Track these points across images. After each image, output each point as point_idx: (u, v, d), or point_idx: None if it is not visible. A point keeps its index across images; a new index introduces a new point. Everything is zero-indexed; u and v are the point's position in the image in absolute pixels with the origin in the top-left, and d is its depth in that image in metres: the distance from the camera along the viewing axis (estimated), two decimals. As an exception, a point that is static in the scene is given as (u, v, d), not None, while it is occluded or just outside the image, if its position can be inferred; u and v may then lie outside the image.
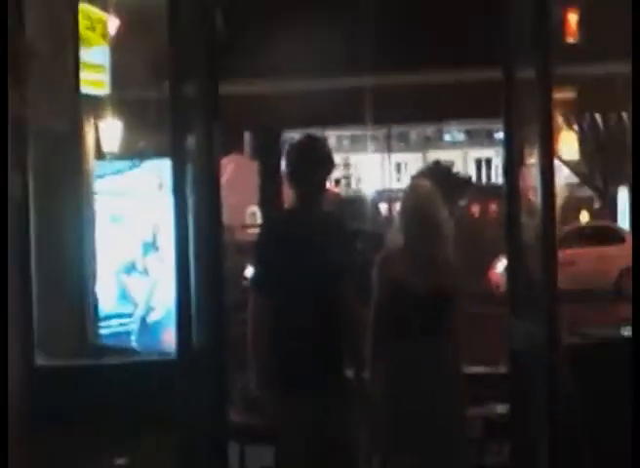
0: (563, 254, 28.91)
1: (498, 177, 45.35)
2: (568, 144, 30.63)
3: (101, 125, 11.44)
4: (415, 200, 7.21)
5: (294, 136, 6.47)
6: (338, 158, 36.32)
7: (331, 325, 6.69)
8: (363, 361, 6.93)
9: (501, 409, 7.21)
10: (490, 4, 6.67)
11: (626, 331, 7.42)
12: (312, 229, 6.78)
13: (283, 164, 6.77)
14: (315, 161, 6.78)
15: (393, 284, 6.97)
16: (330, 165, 6.90)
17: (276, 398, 6.51)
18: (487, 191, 36.84)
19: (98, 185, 8.42)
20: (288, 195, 6.98)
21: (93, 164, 8.25)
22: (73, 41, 7.53)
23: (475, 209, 32.18)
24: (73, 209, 7.27)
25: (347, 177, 40.41)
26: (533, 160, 6.00)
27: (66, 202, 7.13)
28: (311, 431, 6.59)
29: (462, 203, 32.28)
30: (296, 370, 6.55)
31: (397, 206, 7.90)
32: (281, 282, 6.59)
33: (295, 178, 6.82)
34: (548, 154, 5.76)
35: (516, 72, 6.42)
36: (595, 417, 5.85)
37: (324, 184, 6.98)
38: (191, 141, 6.22)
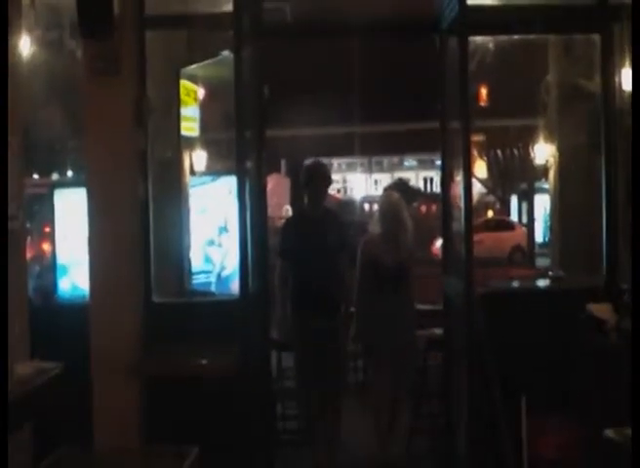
0: (476, 237, 29.08)
1: (437, 188, 45.16)
2: (480, 169, 30.81)
3: (193, 154, 11.53)
4: (389, 204, 7.63)
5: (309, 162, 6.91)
6: (338, 176, 36.38)
7: (330, 280, 7.16)
8: (351, 303, 7.37)
9: (438, 331, 7.26)
10: (434, 83, 6.68)
11: (520, 284, 7.63)
12: (318, 219, 7.31)
13: (301, 181, 7.29)
14: (320, 177, 7.33)
15: (372, 257, 7.35)
16: (328, 179, 7.44)
17: (296, 317, 7.15)
18: (431, 197, 36.77)
19: (191, 191, 8.59)
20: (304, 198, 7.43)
21: (188, 178, 8.39)
22: (176, 103, 7.66)
23: (423, 208, 32.37)
24: (177, 205, 7.41)
25: (344, 188, 40.33)
26: (458, 177, 6.04)
27: (172, 201, 7.28)
28: (314, 341, 7.06)
29: (415, 204, 32.48)
30: (306, 305, 7.15)
31: (375, 206, 8.23)
32: (297, 252, 7.17)
33: (307, 187, 7.30)
34: (468, 174, 5.77)
35: (448, 124, 6.51)
36: (495, 338, 5.83)
37: (325, 191, 7.46)
38: (248, 165, 6.24)
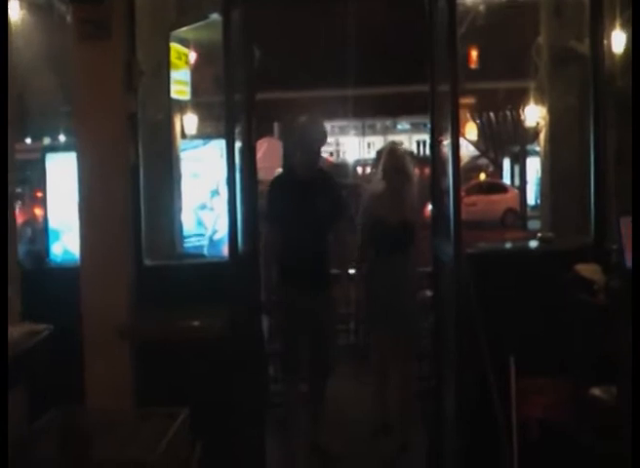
0: (469, 200, 29.23)
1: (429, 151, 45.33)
2: (472, 131, 30.78)
3: (184, 117, 11.51)
4: (395, 158, 7.29)
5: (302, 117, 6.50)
6: (331, 139, 35.76)
7: (321, 246, 6.80)
8: (347, 267, 7.18)
9: (429, 292, 7.22)
10: (423, 46, 6.65)
11: (509, 245, 7.65)
12: (309, 182, 6.79)
13: (294, 139, 6.92)
14: (313, 133, 6.85)
15: (377, 217, 7.11)
16: (323, 136, 6.89)
17: (282, 288, 6.80)
18: (423, 160, 36.77)
19: (183, 155, 8.60)
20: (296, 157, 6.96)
21: (179, 142, 8.39)
22: (167, 66, 7.65)
23: (417, 171, 32.54)
24: (168, 168, 7.43)
25: (337, 151, 40.23)
26: (447, 140, 5.97)
27: (163, 164, 7.29)
28: (302, 320, 6.78)
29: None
30: (295, 277, 6.75)
31: (368, 170, 7.95)
32: (285, 218, 6.70)
33: (299, 144, 6.83)
34: (456, 137, 5.75)
35: (438, 86, 6.49)
36: (484, 299, 5.82)
37: (319, 150, 6.90)
38: (238, 128, 6.22)
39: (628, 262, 5.38)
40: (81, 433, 4.63)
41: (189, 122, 13.53)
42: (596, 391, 5.14)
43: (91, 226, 5.93)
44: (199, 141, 10.42)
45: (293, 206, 6.72)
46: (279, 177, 7.57)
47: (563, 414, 5.49)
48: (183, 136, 10.35)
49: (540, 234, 7.00)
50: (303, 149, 6.81)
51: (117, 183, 5.98)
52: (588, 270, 5.66)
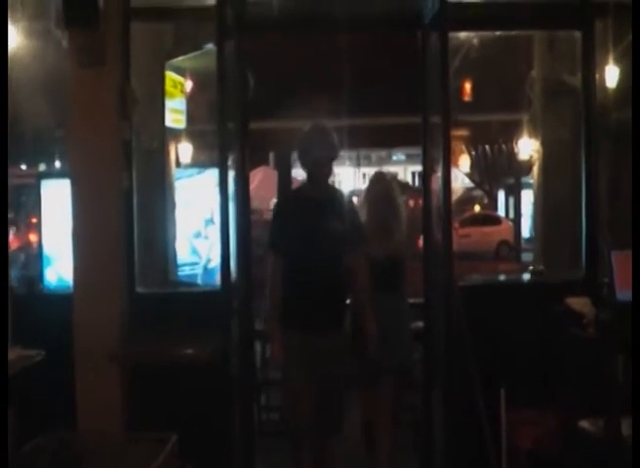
0: (463, 231, 29.39)
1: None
2: (466, 163, 30.95)
3: (179, 146, 11.55)
4: (380, 186, 6.62)
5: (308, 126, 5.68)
6: None
7: (335, 277, 5.66)
8: (362, 308, 5.90)
9: (420, 324, 6.92)
10: (417, 80, 6.64)
11: (501, 278, 7.68)
12: (321, 201, 5.73)
13: (297, 151, 5.80)
14: (323, 143, 5.67)
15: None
16: (334, 147, 5.76)
17: (287, 330, 5.64)
18: (418, 192, 36.81)
19: (177, 183, 8.62)
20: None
21: (174, 170, 8.41)
22: (162, 94, 7.68)
23: (411, 202, 32.60)
24: (161, 197, 7.43)
25: (333, 182, 40.63)
26: (439, 172, 6.02)
27: (157, 192, 7.30)
28: (313, 368, 5.62)
29: (404, 198, 32.39)
30: (305, 311, 5.62)
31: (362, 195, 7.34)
32: (294, 243, 5.62)
33: (306, 158, 5.73)
34: (448, 169, 5.82)
35: (430, 118, 6.48)
36: (475, 330, 5.88)
37: (330, 164, 5.78)
38: (232, 158, 6.26)
39: (619, 296, 5.45)
40: (71, 457, 4.65)
41: (184, 150, 13.57)
42: (585, 423, 5.16)
43: (84, 253, 5.96)
44: (194, 170, 10.48)
45: (303, 229, 5.65)
46: (286, 198, 6.93)
47: (552, 446, 5.52)
48: (178, 164, 10.39)
49: (531, 267, 7.05)
50: (313, 161, 5.68)
51: (110, 210, 6.02)
52: (579, 303, 5.70)
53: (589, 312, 5.56)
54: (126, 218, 6.16)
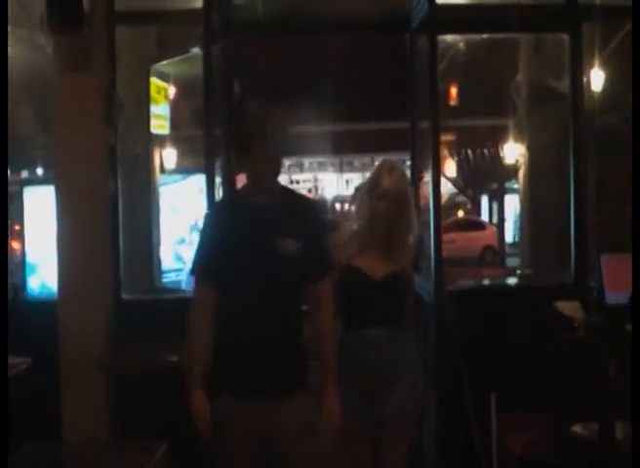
0: (447, 237, 29.15)
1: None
2: (450, 168, 30.99)
3: (164, 152, 11.52)
4: (395, 180, 4.63)
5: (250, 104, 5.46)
6: (310, 176, 35.56)
7: (286, 318, 3.98)
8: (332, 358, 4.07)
9: None
10: (404, 85, 6.62)
11: (490, 282, 7.64)
12: (266, 207, 3.92)
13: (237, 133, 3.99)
14: (269, 127, 3.82)
15: (350, 268, 4.60)
16: (285, 132, 3.95)
17: (217, 393, 4.01)
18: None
19: (162, 189, 8.58)
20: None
21: (159, 176, 8.37)
22: (146, 100, 7.65)
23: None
24: (147, 202, 7.39)
25: (316, 187, 40.25)
26: (427, 177, 5.99)
27: (142, 198, 7.25)
28: (255, 435, 3.93)
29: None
30: (242, 366, 3.95)
31: (347, 206, 7.18)
32: (227, 266, 3.94)
33: (247, 147, 3.85)
34: (437, 174, 5.76)
35: (418, 123, 6.48)
36: (464, 335, 5.77)
37: (279, 155, 3.94)
38: (218, 163, 6.23)
39: (608, 299, 5.42)
40: (58, 466, 4.59)
41: (168, 156, 13.54)
42: (577, 428, 5.13)
43: (69, 259, 5.89)
44: (178, 176, 10.46)
45: (240, 247, 3.93)
46: (221, 203, 5.17)
47: (543, 451, 5.50)
48: (162, 169, 10.37)
49: (519, 271, 7.03)
50: (252, 155, 3.85)
51: (95, 216, 5.95)
52: (568, 307, 5.67)
53: (579, 316, 5.53)
54: (111, 225, 6.11)
